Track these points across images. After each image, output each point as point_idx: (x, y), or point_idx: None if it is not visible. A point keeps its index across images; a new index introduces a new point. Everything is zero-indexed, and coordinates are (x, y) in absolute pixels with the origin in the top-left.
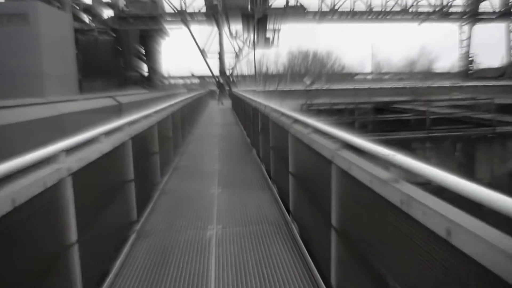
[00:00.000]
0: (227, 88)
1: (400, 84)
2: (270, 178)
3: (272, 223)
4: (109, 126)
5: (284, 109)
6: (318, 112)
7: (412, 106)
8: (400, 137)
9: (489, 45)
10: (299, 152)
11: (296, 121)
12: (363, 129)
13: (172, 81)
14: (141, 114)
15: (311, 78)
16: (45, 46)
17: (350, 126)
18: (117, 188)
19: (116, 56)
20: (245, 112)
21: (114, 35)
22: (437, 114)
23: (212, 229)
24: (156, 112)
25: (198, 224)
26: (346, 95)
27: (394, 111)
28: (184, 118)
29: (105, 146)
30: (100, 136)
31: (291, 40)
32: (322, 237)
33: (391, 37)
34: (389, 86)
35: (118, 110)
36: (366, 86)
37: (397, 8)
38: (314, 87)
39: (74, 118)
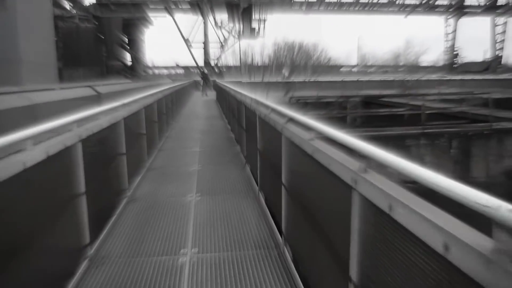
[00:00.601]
0: (211, 78)
1: (388, 77)
2: (256, 183)
3: (260, 246)
4: (41, 128)
5: (274, 103)
6: (305, 105)
7: (406, 100)
8: (394, 133)
9: (475, 39)
10: (297, 162)
11: (292, 120)
12: (353, 124)
13: (157, 71)
14: (98, 109)
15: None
16: (22, 32)
17: (340, 121)
18: (59, 207)
19: (98, 45)
20: (229, 105)
21: (96, 23)
22: (432, 109)
23: (185, 254)
24: (124, 105)
25: (168, 246)
26: (333, 88)
27: (386, 105)
28: (162, 111)
29: (33, 155)
30: (25, 142)
31: (277, 31)
32: (332, 286)
33: (378, 29)
34: (378, 79)
35: (97, 100)
36: (353, 78)
37: (384, 0)
38: (301, 79)
39: (48, 109)
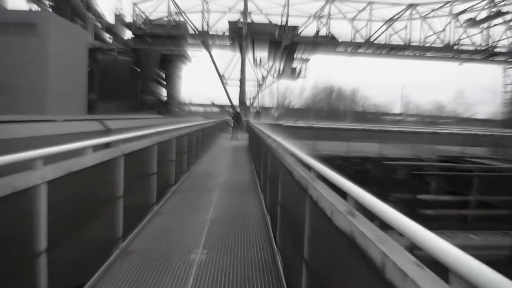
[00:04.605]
0: (244, 119)
1: (471, 130)
2: None
3: None
4: None
5: (303, 152)
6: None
7: None
8: None
9: None
10: (326, 239)
11: (321, 177)
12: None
13: (193, 108)
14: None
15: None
16: (53, 61)
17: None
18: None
19: (134, 78)
20: (267, 169)
21: (134, 56)
22: None
23: None
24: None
25: None
26: (387, 139)
27: None
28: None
29: None
30: None
31: (318, 71)
32: None
33: (425, 74)
34: (455, 132)
35: (104, 136)
36: (425, 130)
37: (438, 45)
38: (351, 125)
39: (30, 145)
